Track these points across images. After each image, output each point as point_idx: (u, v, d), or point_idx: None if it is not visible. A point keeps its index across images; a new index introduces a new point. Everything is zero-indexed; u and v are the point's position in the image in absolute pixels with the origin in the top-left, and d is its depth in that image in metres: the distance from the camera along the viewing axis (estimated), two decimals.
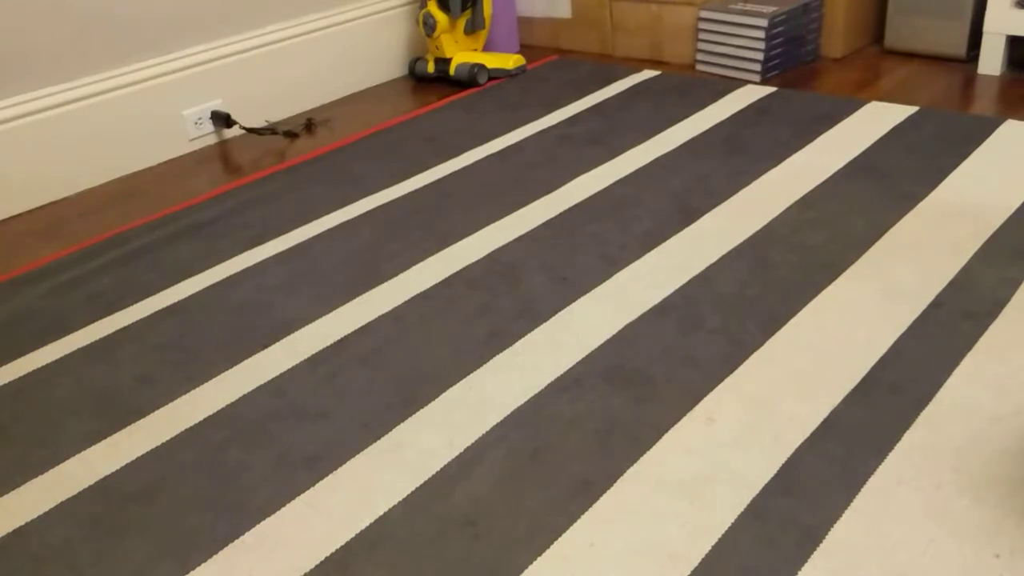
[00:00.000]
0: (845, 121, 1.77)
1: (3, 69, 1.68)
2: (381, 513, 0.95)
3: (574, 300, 1.29)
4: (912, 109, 1.80)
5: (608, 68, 2.24)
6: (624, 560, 0.87)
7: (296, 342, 1.25)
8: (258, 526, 0.95)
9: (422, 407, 1.10)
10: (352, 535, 0.92)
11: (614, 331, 1.21)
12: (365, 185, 1.69)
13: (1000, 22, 1.94)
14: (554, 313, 1.26)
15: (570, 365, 1.15)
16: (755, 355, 1.14)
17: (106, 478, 1.03)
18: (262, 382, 1.18)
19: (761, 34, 2.05)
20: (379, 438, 1.06)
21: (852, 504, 0.90)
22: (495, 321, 1.25)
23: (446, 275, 1.38)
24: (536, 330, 1.23)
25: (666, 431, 1.02)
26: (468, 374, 1.15)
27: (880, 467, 0.94)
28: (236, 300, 1.37)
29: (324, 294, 1.36)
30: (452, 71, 2.20)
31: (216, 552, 0.92)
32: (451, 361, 1.18)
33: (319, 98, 2.18)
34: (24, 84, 1.72)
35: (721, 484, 0.94)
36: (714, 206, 1.50)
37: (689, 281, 1.30)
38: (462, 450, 1.02)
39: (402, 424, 1.07)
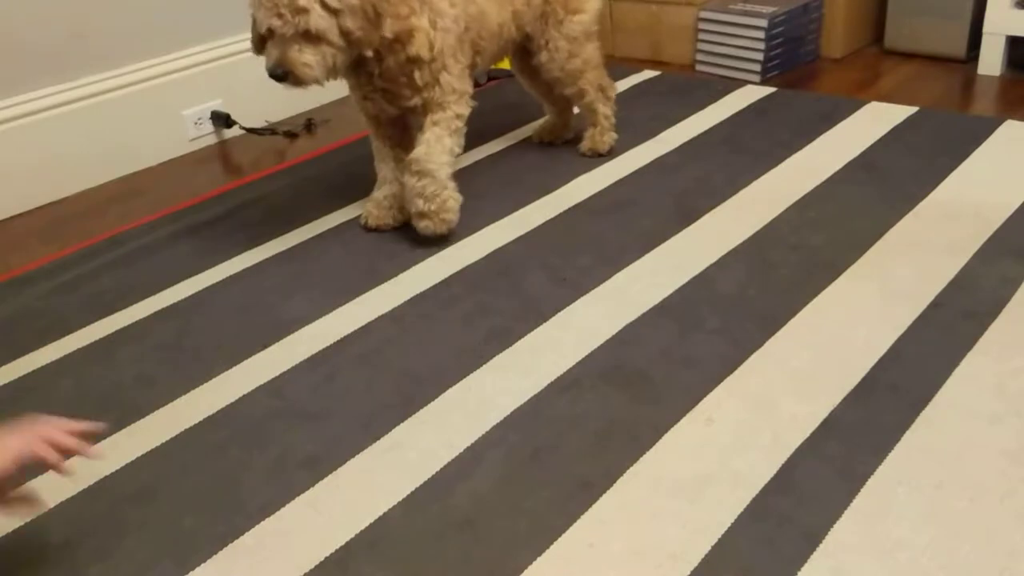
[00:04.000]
0: (845, 121, 1.77)
1: (3, 69, 1.68)
2: (381, 513, 0.95)
3: (574, 300, 1.28)
4: (912, 109, 1.80)
5: (608, 68, 2.24)
6: (624, 560, 0.87)
7: (296, 342, 1.25)
8: (258, 526, 0.95)
9: (422, 407, 1.10)
10: (352, 535, 0.92)
11: (614, 331, 1.21)
12: (365, 185, 1.69)
13: (1000, 22, 1.94)
14: (554, 313, 1.26)
15: (570, 365, 1.15)
16: (755, 355, 1.14)
17: (106, 478, 1.03)
18: (262, 382, 1.17)
19: (761, 34, 2.05)
20: (379, 438, 1.06)
21: (852, 504, 0.90)
22: (495, 321, 1.25)
23: (446, 275, 1.38)
24: (536, 330, 1.23)
25: (666, 431, 1.02)
26: (468, 374, 1.15)
27: (880, 467, 0.94)
28: (236, 300, 1.37)
29: (324, 294, 1.36)
30: None
31: (216, 552, 0.92)
32: (451, 361, 1.18)
33: (319, 98, 2.18)
34: (24, 84, 1.72)
35: (721, 484, 0.94)
36: (714, 206, 1.50)
37: (689, 281, 1.30)
38: (462, 450, 1.02)
39: (402, 424, 1.07)
